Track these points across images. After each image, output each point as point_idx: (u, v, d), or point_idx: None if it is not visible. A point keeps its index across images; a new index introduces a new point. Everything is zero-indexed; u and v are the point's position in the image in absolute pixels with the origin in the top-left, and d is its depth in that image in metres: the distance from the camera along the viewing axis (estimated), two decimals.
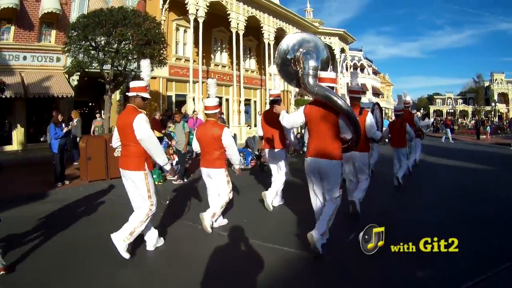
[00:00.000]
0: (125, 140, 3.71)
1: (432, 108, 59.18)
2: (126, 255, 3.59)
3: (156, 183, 6.98)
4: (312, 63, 3.69)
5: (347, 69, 44.86)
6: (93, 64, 10.06)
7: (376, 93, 43.77)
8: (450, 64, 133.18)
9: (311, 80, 3.66)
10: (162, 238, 4.10)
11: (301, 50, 3.87)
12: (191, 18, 14.57)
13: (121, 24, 9.58)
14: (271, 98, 5.65)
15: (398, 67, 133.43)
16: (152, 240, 3.91)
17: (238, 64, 19.38)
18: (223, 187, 4.49)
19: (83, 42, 9.73)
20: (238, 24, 16.13)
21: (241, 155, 9.47)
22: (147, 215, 3.67)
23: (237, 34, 16.36)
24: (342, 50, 25.11)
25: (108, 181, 7.88)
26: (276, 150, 5.53)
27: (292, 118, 3.94)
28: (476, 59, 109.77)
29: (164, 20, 15.77)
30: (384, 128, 7.49)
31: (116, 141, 3.92)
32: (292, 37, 4.16)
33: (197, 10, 14.61)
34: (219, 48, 18.15)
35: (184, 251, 4.00)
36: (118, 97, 14.41)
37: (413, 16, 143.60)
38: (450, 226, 4.49)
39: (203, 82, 17.14)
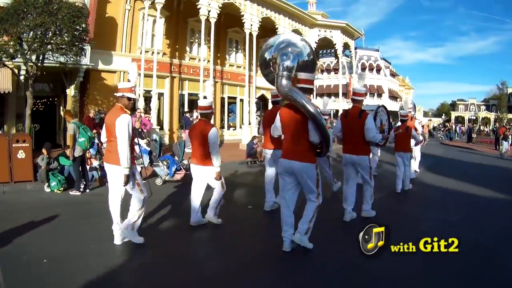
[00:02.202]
0: (110, 136, 3.95)
1: (453, 114, 56.35)
2: (140, 240, 3.97)
3: (55, 190, 6.86)
4: (286, 64, 3.70)
5: (363, 69, 42.17)
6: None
7: (393, 96, 40.58)
8: (475, 71, 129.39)
9: (283, 81, 3.68)
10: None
11: (278, 50, 3.98)
12: (146, 4, 12.80)
13: (27, 14, 8.84)
14: (273, 99, 5.70)
15: (423, 72, 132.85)
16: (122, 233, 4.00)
17: (219, 58, 17.54)
18: (216, 182, 4.62)
19: None
20: (209, 11, 14.11)
21: (165, 163, 7.72)
22: (140, 202, 3.96)
23: (208, 22, 14.28)
24: (346, 46, 22.62)
25: (11, 184, 6.98)
26: (276, 150, 5.22)
27: (274, 125, 3.99)
28: (501, 66, 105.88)
29: (129, 10, 14.18)
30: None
31: (104, 137, 4.13)
32: (273, 39, 4.39)
33: None
34: (197, 40, 16.26)
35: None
36: (73, 92, 13.17)
37: (439, 22, 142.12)
38: None
39: (174, 77, 15.47)
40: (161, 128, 15.00)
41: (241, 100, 17.66)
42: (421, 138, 9.68)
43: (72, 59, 9.81)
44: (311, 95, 3.98)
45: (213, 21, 14.19)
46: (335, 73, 36.23)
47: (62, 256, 3.58)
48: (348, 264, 3.55)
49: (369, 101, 38.16)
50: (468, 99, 58.49)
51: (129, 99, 3.99)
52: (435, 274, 3.36)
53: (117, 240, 3.96)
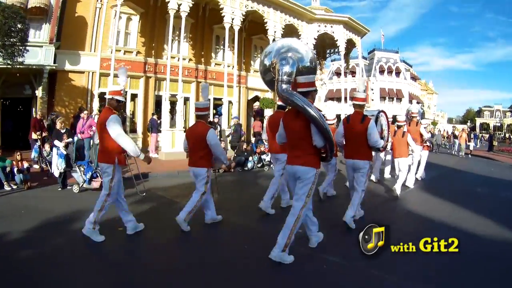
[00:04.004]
0: (100, 136, 4.23)
1: (478, 121, 52.89)
2: (100, 238, 4.12)
3: None
4: (285, 69, 3.74)
5: (381, 72, 39.89)
6: None
7: (414, 100, 37.92)
8: (503, 77, 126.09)
9: (283, 86, 3.69)
10: (141, 224, 4.53)
11: (279, 55, 4.16)
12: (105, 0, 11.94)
13: None
14: (279, 103, 5.75)
15: (451, 79, 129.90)
16: (131, 225, 4.39)
17: (204, 56, 16.49)
18: (200, 186, 4.64)
19: None
20: (180, 5, 12.97)
21: (81, 169, 7.01)
22: (103, 202, 4.17)
23: (178, 16, 13.07)
24: (351, 43, 20.84)
25: None
26: (279, 155, 5.40)
27: (278, 133, 3.92)
28: None
29: (100, 8, 13.42)
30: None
31: (96, 139, 4.48)
32: (272, 44, 4.82)
33: None
34: (177, 38, 15.23)
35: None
36: (41, 93, 12.57)
37: (467, 27, 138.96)
38: None
39: (149, 77, 14.50)
40: (134, 131, 13.99)
41: (229, 102, 16.28)
42: (426, 144, 9.13)
43: (7, 59, 9.26)
44: (314, 97, 3.80)
45: (184, 15, 13.04)
46: (352, 76, 33.92)
47: None
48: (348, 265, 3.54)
49: (387, 105, 35.83)
50: (494, 105, 55.39)
51: (118, 101, 4.32)
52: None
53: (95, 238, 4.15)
